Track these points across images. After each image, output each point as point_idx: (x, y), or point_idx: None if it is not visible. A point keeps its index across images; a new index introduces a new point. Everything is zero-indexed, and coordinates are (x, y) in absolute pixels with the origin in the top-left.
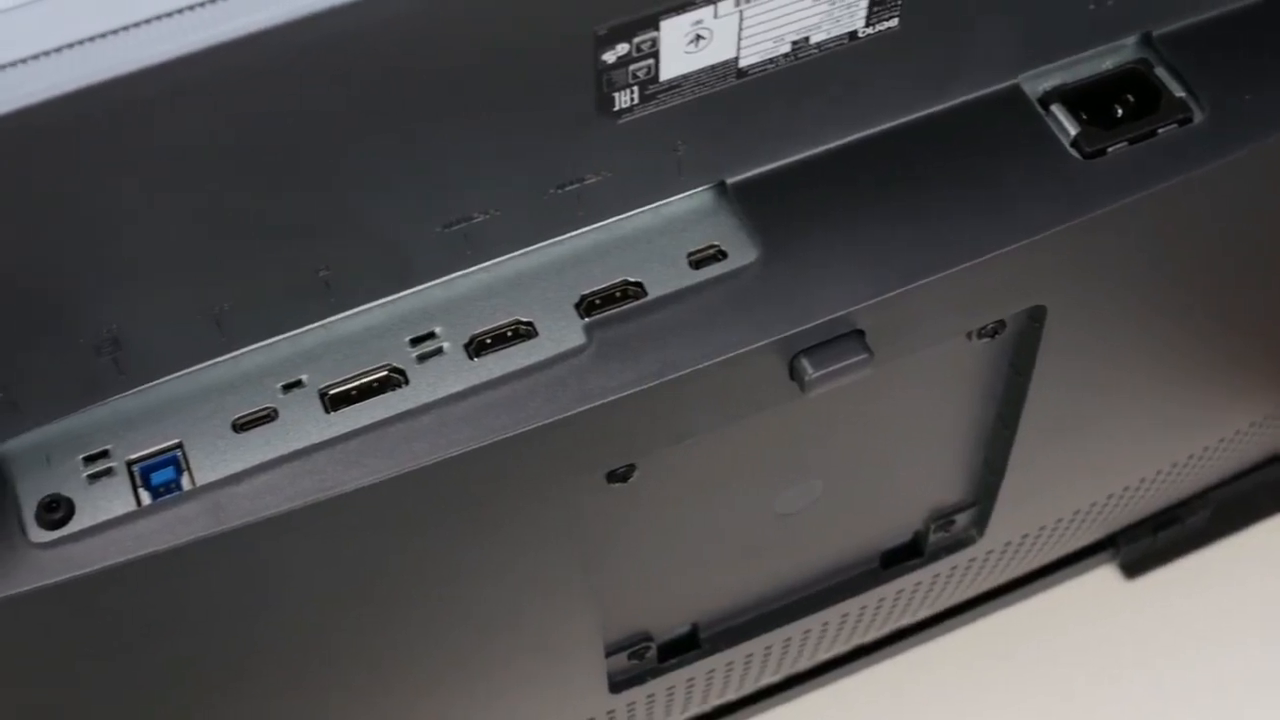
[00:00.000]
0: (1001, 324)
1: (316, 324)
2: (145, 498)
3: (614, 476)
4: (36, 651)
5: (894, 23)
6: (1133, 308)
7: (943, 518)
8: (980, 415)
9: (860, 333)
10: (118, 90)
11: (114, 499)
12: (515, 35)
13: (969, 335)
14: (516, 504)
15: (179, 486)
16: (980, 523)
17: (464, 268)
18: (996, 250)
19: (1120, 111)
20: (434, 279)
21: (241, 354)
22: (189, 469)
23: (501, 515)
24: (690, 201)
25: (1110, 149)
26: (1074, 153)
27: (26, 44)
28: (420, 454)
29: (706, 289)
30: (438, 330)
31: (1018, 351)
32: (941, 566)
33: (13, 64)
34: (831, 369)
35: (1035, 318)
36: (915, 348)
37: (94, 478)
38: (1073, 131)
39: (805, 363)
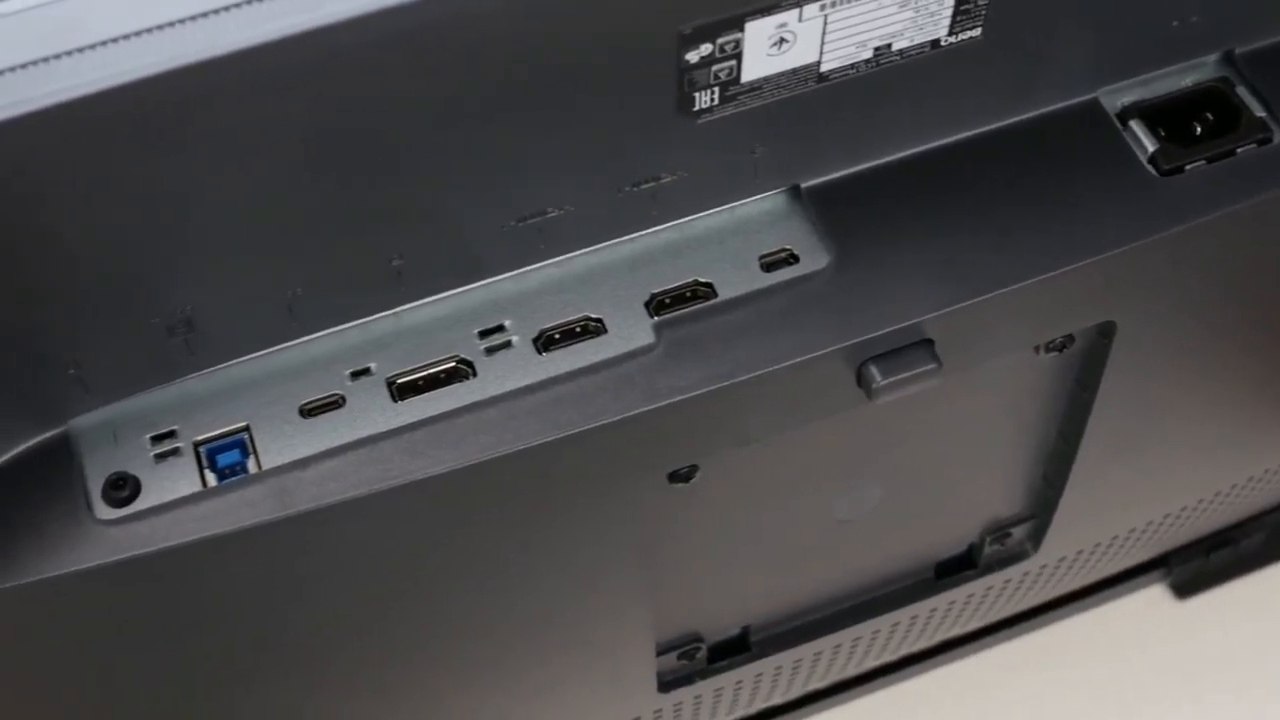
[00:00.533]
0: (1070, 339)
1: (386, 313)
2: (211, 479)
3: (676, 477)
4: (96, 627)
5: (977, 32)
6: (1202, 327)
7: (998, 530)
8: (1042, 429)
9: (930, 342)
10: (206, 74)
11: (180, 479)
12: (600, 32)
13: (1037, 349)
14: (578, 500)
15: (245, 469)
16: (1036, 537)
17: (535, 262)
18: (1070, 265)
19: (1199, 129)
20: (505, 272)
21: (311, 340)
22: (255, 452)
23: (563, 511)
24: (763, 204)
25: (1188, 167)
26: (1151, 169)
27: (116, 25)
28: (486, 447)
29: (777, 292)
30: (507, 324)
31: (1084, 367)
32: (995, 579)
33: (102, 43)
34: (900, 377)
35: (1104, 334)
36: (984, 359)
37: (161, 457)
38: (1150, 148)
39: (874, 370)
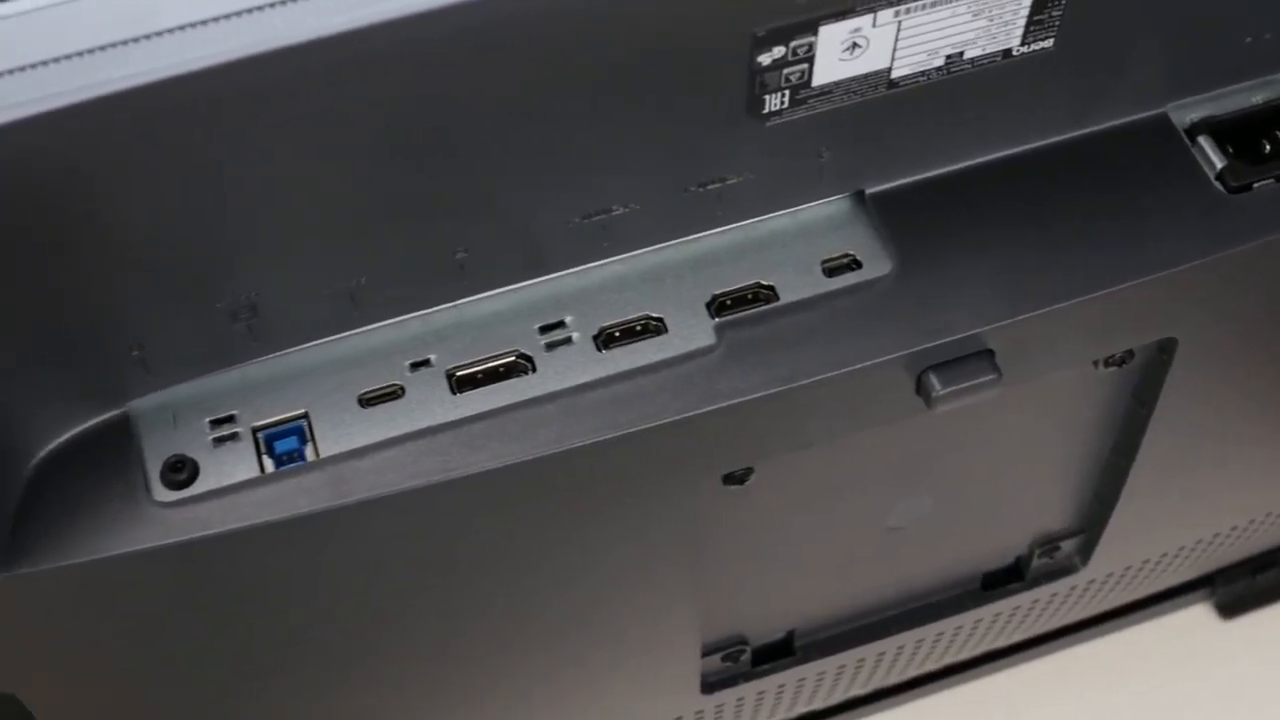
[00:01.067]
0: (1130, 354)
1: (448, 305)
2: (269, 465)
3: (731, 479)
4: (148, 608)
5: (1049, 43)
6: (1263, 346)
7: (1047, 544)
8: (1096, 444)
9: (990, 353)
10: (285, 62)
11: (238, 464)
12: (674, 32)
13: (1096, 363)
14: (633, 499)
15: (302, 457)
16: (1085, 552)
17: (598, 259)
18: (1133, 280)
19: (1268, 147)
20: (568, 268)
21: (372, 329)
22: (313, 440)
23: (617, 509)
24: (827, 208)
25: (1256, 185)
26: (1218, 186)
27: (193, 11)
28: (544, 442)
29: (839, 297)
30: (568, 320)
31: (1143, 383)
32: (1041, 592)
33: (179, 28)
34: (960, 387)
35: (1165, 350)
36: (1043, 371)
37: (219, 441)
38: (1219, 164)
39: (934, 379)
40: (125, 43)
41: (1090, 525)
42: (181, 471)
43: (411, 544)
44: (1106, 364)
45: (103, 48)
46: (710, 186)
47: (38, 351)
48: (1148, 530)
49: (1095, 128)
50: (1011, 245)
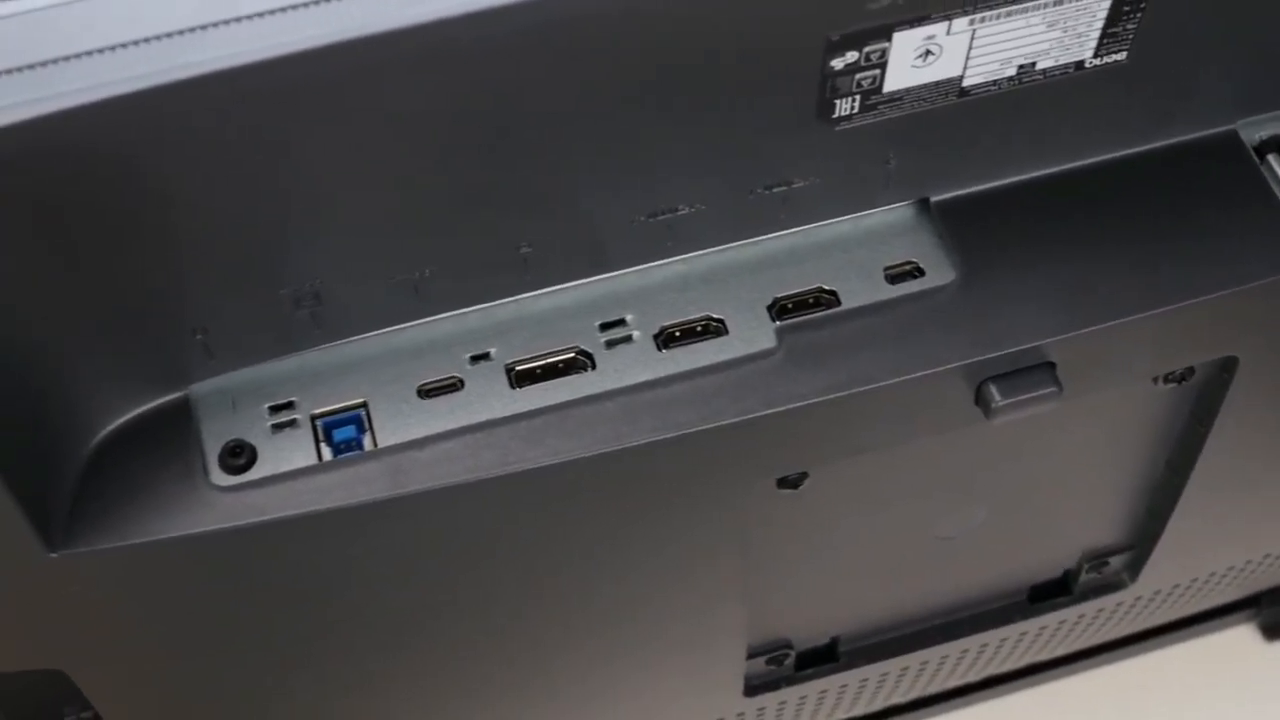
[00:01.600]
0: (1190, 371)
1: (509, 299)
2: (326, 453)
3: (785, 482)
4: (202, 591)
5: (1122, 56)
6: None
7: (1096, 559)
8: (1151, 460)
9: (1051, 365)
10: (362, 51)
11: (296, 450)
12: (749, 33)
13: (1155, 379)
14: (687, 499)
15: (360, 446)
16: (1134, 568)
17: (661, 258)
18: (1198, 298)
19: None
20: (630, 266)
21: (433, 321)
22: (371, 429)
23: (670, 508)
24: (891, 215)
25: None
26: None
27: None
28: (603, 439)
29: (901, 305)
30: (629, 318)
31: (1202, 400)
32: (1088, 607)
33: (259, 15)
34: (1020, 399)
35: (1226, 368)
36: (1104, 386)
37: (278, 427)
38: None
39: (993, 390)
40: (205, 27)
41: (1141, 542)
42: (240, 456)
43: (465, 537)
44: (1166, 380)
45: (182, 32)
46: (776, 189)
47: (104, 332)
48: (1198, 549)
49: (1164, 142)
50: (1076, 258)
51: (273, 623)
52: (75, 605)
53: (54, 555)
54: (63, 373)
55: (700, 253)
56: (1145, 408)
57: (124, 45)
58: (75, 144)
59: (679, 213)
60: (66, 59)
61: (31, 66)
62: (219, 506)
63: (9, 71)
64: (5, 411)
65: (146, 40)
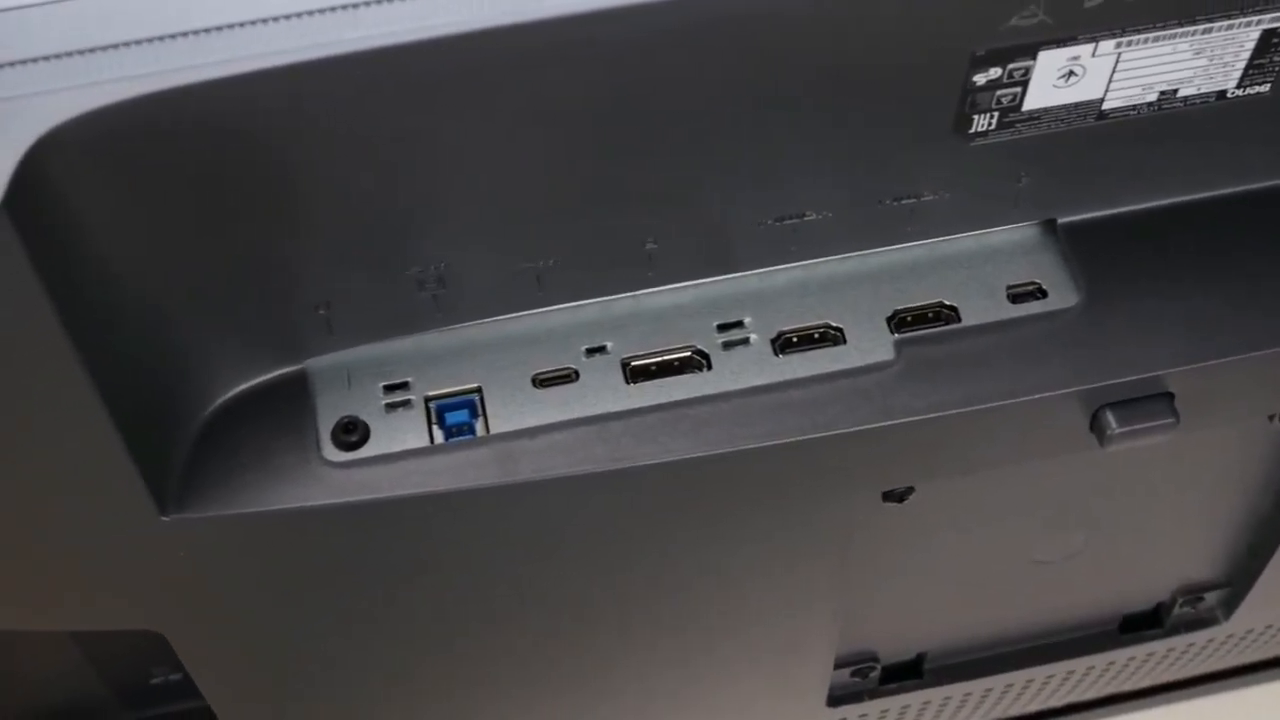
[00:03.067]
0: None
1: (628, 294)
2: (438, 435)
3: (891, 495)
4: (307, 565)
5: (1265, 88)
6: None
7: (1191, 593)
8: (1256, 498)
9: (1170, 396)
10: (502, 41)
11: (408, 431)
12: (894, 43)
13: (1271, 416)
14: (793, 505)
15: (472, 431)
16: (1229, 605)
17: (783, 262)
18: None
19: None
20: (752, 268)
21: (551, 311)
22: (484, 415)
23: (775, 513)
24: (1017, 234)
25: None
26: None
27: None
28: (715, 441)
29: (1022, 325)
30: (747, 320)
31: None
32: (1178, 642)
33: None
34: (1136, 427)
35: None
36: (1221, 421)
37: (391, 407)
38: None
39: (1110, 417)
40: (356, 6)
41: (1238, 580)
42: (353, 433)
43: (569, 529)
44: None
45: (333, 9)
46: (904, 201)
47: (232, 301)
48: None
49: None
50: (1203, 289)
51: (369, 600)
52: (181, 569)
53: (165, 519)
54: (187, 340)
55: (823, 259)
56: (1256, 445)
57: (276, 19)
58: (224, 115)
59: (806, 218)
60: (220, 29)
61: (185, 34)
62: (330, 482)
63: (169, 37)
64: (130, 375)
65: (299, 15)
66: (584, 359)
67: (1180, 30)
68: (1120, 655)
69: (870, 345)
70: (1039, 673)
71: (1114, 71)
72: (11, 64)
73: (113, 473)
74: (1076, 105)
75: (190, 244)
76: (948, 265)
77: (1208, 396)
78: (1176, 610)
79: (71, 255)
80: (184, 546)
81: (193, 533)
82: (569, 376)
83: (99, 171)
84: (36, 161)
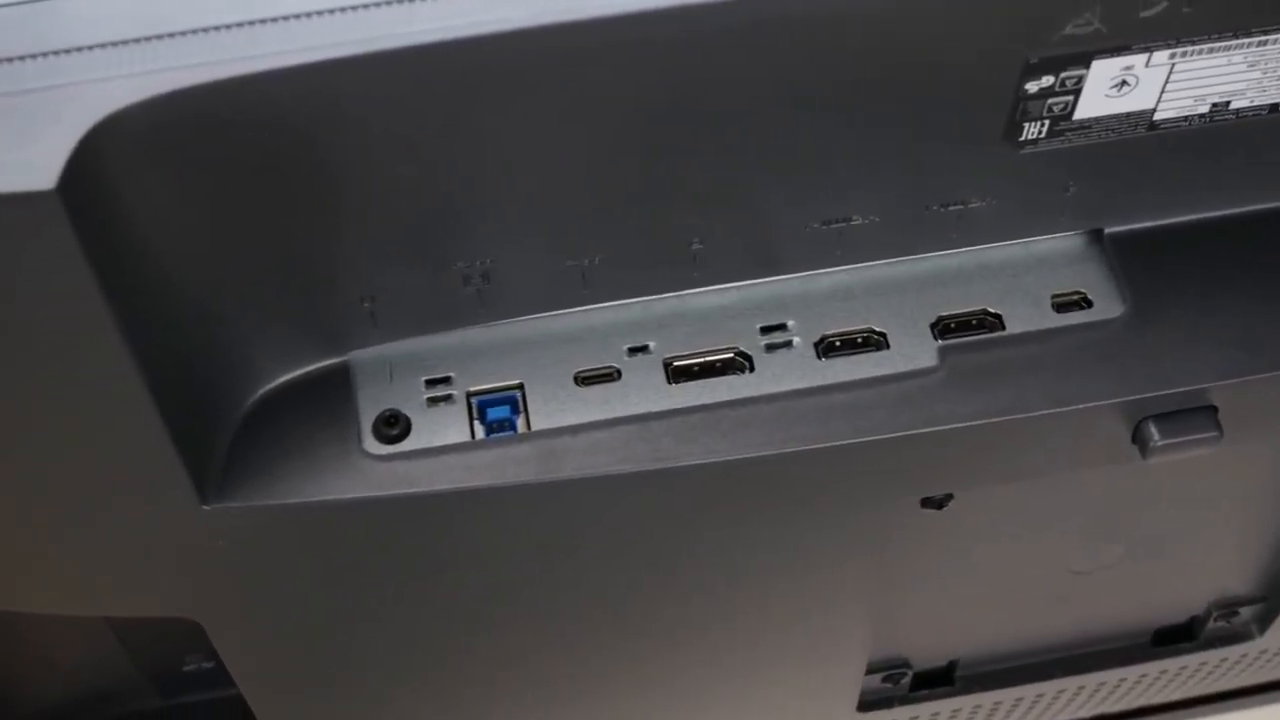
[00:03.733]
0: None
1: (672, 294)
2: (479, 431)
3: (930, 502)
4: (345, 556)
5: None
6: None
7: (1226, 607)
8: None
9: (1213, 409)
10: (557, 38)
11: (449, 426)
12: (946, 48)
13: None
14: (832, 510)
15: (513, 427)
16: (1263, 621)
17: (828, 266)
18: None
19: None
20: (796, 271)
21: (595, 309)
22: (525, 411)
23: (813, 516)
24: (1063, 243)
25: None
26: None
27: None
28: (757, 443)
29: (1067, 334)
30: (790, 323)
31: None
32: (1211, 655)
33: None
34: (1179, 440)
35: None
36: (1264, 435)
37: (433, 401)
38: None
39: (1153, 429)
40: (413, 0)
41: (1274, 595)
42: (395, 426)
43: (608, 528)
44: None
45: (389, 3)
46: (951, 207)
47: (279, 292)
48: None
49: None
50: (1250, 303)
51: (405, 593)
52: (219, 558)
53: (206, 508)
54: (233, 329)
55: (868, 264)
56: None
57: (333, 11)
58: (278, 106)
59: (852, 222)
60: (277, 20)
61: (242, 25)
62: (370, 474)
63: (226, 27)
64: (175, 364)
65: (355, 8)
66: (626, 358)
67: (1235, 42)
68: (1152, 668)
69: (914, 351)
70: (1070, 683)
71: (1167, 82)
72: (70, 50)
73: (156, 461)
74: (1128, 115)
75: (240, 234)
76: (993, 272)
77: (1251, 410)
78: (1210, 624)
79: (122, 242)
80: (223, 536)
81: (233, 522)
82: (611, 375)
83: (152, 159)
84: (92, 147)
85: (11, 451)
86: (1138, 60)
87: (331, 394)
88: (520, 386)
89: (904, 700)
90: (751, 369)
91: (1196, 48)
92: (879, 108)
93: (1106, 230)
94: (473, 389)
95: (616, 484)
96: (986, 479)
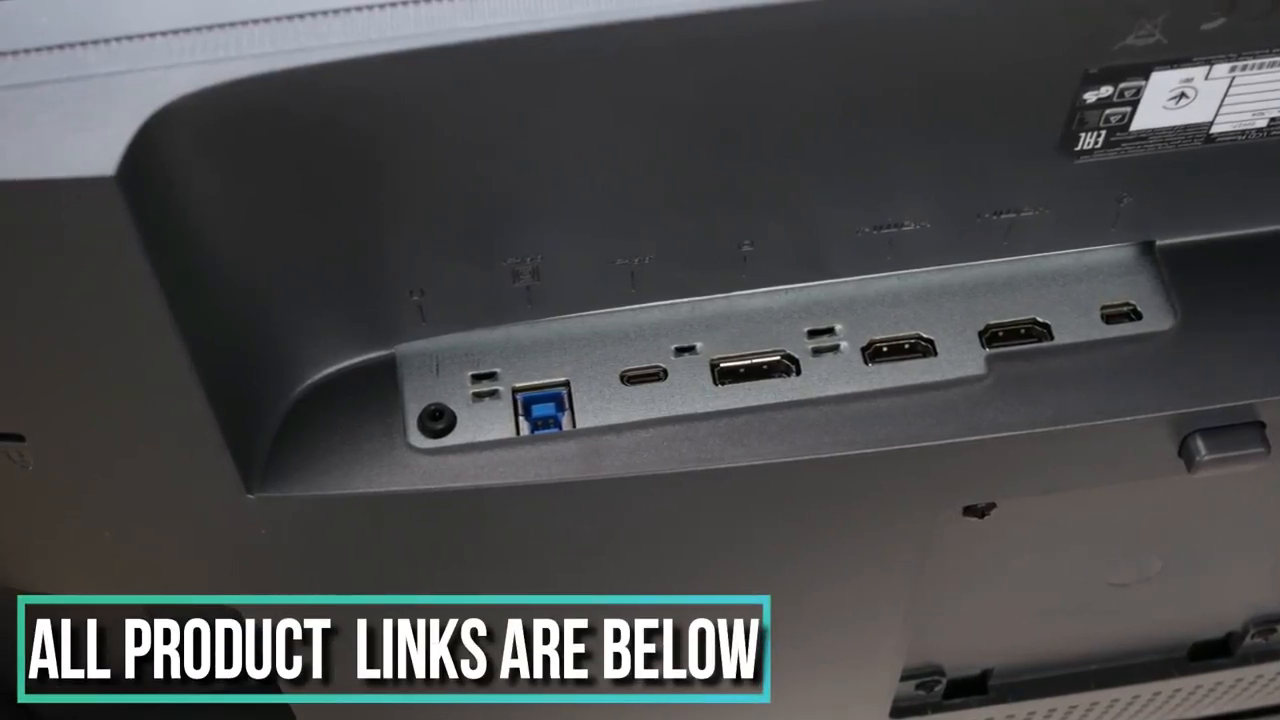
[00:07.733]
0: None
1: (720, 295)
2: (524, 427)
3: (972, 510)
4: (386, 549)
5: None
6: None
7: (1264, 624)
8: None
9: (1261, 425)
10: (615, 36)
11: (494, 421)
12: (1006, 57)
13: None
14: (875, 515)
15: (558, 424)
16: None
17: (878, 271)
18: None
19: None
20: (845, 276)
21: (642, 308)
22: (571, 409)
23: (856, 521)
24: (1114, 254)
25: None
26: None
27: None
28: (803, 447)
29: (1115, 346)
30: (838, 328)
31: None
32: (1247, 672)
33: None
34: (1225, 455)
35: None
36: None
37: (479, 396)
38: None
39: (1199, 443)
40: None
41: None
42: (440, 420)
43: (650, 528)
44: None
45: None
46: (1003, 215)
47: (326, 284)
48: None
49: None
50: None
51: (444, 587)
52: (261, 547)
53: (251, 497)
54: (282, 320)
55: (917, 270)
56: None
57: (394, 4)
58: (337, 98)
59: (903, 228)
60: (337, 12)
61: (303, 16)
62: (414, 468)
63: (287, 18)
64: (224, 353)
65: (415, 2)
66: (673, 358)
67: None
68: (1188, 683)
69: (961, 358)
70: (1104, 695)
71: (1226, 95)
72: (131, 37)
73: (203, 449)
74: (1185, 127)
75: (293, 226)
76: (1043, 282)
77: None
78: (1248, 640)
79: (176, 231)
80: (266, 525)
81: (276, 512)
82: (657, 375)
83: (209, 148)
84: (151, 135)
85: (62, 437)
86: (1197, 73)
87: (377, 387)
88: (566, 384)
89: (937, 708)
90: (798, 372)
91: (1257, 61)
92: (935, 115)
93: (1158, 242)
94: (518, 385)
95: (661, 484)
96: (1030, 489)
